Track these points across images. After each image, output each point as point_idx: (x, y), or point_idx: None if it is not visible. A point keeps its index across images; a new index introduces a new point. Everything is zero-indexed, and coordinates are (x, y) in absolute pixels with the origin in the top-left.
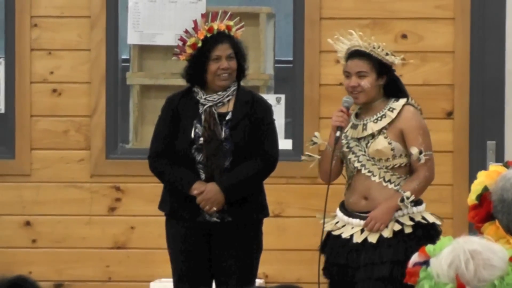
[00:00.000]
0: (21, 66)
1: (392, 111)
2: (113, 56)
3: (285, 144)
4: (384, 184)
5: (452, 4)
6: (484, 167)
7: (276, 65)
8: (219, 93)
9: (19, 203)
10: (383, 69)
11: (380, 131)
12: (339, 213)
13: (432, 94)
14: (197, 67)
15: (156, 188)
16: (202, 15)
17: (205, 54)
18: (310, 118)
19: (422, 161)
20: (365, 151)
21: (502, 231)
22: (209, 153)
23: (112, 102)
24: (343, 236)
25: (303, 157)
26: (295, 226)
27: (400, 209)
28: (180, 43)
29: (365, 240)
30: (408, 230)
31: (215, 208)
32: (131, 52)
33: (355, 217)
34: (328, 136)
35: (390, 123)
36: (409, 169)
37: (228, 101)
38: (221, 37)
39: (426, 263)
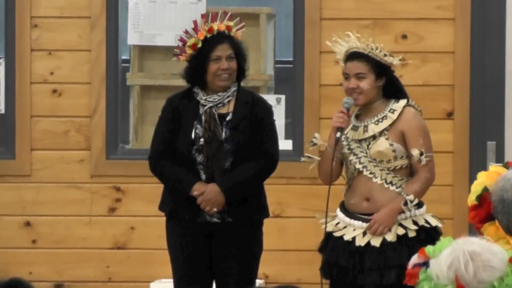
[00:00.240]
0: (21, 66)
1: (393, 112)
2: (113, 57)
3: (285, 144)
4: (386, 186)
5: (452, 4)
6: (484, 167)
7: (276, 65)
8: (219, 93)
9: (19, 204)
10: (381, 70)
11: (381, 133)
12: (340, 214)
13: (433, 94)
14: (197, 67)
15: (156, 188)
16: (202, 16)
17: (205, 54)
18: (310, 119)
19: (423, 162)
20: (366, 153)
21: (502, 231)
22: (210, 154)
23: (112, 102)
24: (345, 238)
25: (302, 159)
26: (295, 227)
27: (403, 212)
28: (180, 44)
29: (368, 243)
30: (412, 234)
31: (215, 209)
32: (131, 52)
33: (357, 218)
34: (328, 137)
35: (391, 125)
36: (410, 171)
37: (229, 101)
38: (221, 37)
39: (425, 264)
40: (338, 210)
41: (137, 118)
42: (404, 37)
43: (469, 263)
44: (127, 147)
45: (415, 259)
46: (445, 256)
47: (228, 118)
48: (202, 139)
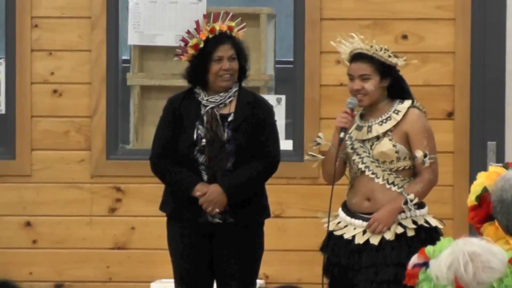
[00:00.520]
0: (21, 66)
1: (397, 113)
2: (114, 57)
3: (285, 144)
4: (388, 186)
5: (453, 4)
6: (484, 167)
7: (276, 65)
8: (221, 94)
9: (19, 204)
10: (386, 70)
11: (385, 133)
12: (341, 213)
13: (433, 94)
14: (199, 67)
15: (156, 188)
16: (204, 16)
17: (207, 54)
18: (310, 119)
19: (427, 164)
20: (369, 153)
21: (502, 231)
22: (212, 155)
23: (112, 102)
24: (345, 236)
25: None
26: (296, 227)
27: (403, 211)
28: (182, 44)
29: (367, 241)
30: (411, 233)
31: (217, 210)
32: (131, 52)
33: (358, 218)
34: (332, 137)
35: (395, 126)
36: (413, 172)
37: (230, 102)
38: (223, 37)
39: (425, 264)
40: (340, 209)
41: (138, 118)
42: (405, 37)
43: (469, 264)
44: (128, 147)
45: (415, 259)
46: (445, 256)
47: (229, 118)
48: (204, 140)
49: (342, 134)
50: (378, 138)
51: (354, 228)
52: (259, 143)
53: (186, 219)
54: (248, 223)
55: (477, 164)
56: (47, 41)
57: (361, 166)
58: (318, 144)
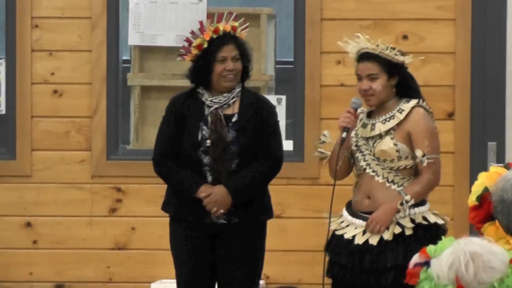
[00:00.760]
0: (22, 67)
1: (401, 112)
2: (114, 57)
3: (286, 145)
4: (387, 184)
5: (453, 5)
6: (485, 168)
7: (277, 66)
8: (225, 94)
9: (19, 204)
10: (393, 69)
11: (387, 132)
12: (344, 212)
13: (433, 95)
14: (202, 68)
15: (157, 189)
16: (208, 16)
17: (210, 55)
18: (311, 119)
19: (424, 164)
20: (371, 151)
21: (502, 231)
22: (216, 156)
23: (113, 103)
24: (346, 236)
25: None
26: (296, 227)
27: (400, 211)
28: (186, 44)
29: (367, 242)
30: (408, 232)
31: (222, 211)
32: (131, 53)
33: (358, 217)
34: (337, 135)
35: (398, 124)
36: (415, 171)
37: (233, 102)
38: (227, 38)
39: (426, 264)
40: (344, 208)
41: (138, 118)
42: (405, 37)
43: (470, 264)
44: (128, 147)
45: (416, 258)
46: (446, 256)
47: (233, 119)
48: (208, 141)
49: (344, 134)
50: (380, 136)
51: (355, 228)
52: (263, 143)
53: (190, 220)
54: (253, 223)
55: (478, 165)
56: (48, 41)
57: (363, 163)
58: (323, 142)
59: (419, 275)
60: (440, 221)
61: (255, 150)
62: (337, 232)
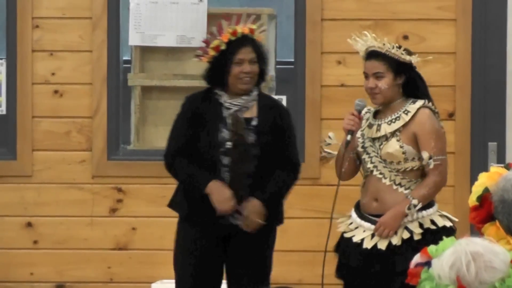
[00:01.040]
0: (22, 67)
1: (406, 113)
2: (115, 57)
3: None
4: (395, 187)
5: (454, 5)
6: (485, 168)
7: (277, 66)
8: (244, 97)
9: (20, 204)
10: (400, 68)
11: (393, 134)
12: (353, 214)
13: (434, 95)
14: (219, 69)
15: (157, 189)
16: (226, 18)
17: (228, 57)
18: (311, 119)
19: (431, 166)
20: (377, 153)
21: (503, 231)
22: (236, 158)
23: (113, 103)
24: (354, 240)
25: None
26: (297, 227)
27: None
28: (204, 45)
29: (375, 246)
30: (417, 237)
31: (261, 222)
32: (132, 53)
33: (367, 220)
34: (341, 137)
35: (404, 126)
36: (422, 172)
37: (251, 106)
38: (245, 40)
39: (428, 263)
40: (353, 210)
41: (139, 118)
42: (406, 37)
43: (471, 264)
44: (129, 147)
45: (417, 258)
46: (447, 256)
47: (253, 123)
48: (228, 143)
49: (348, 137)
50: (386, 138)
51: (364, 231)
52: (281, 147)
53: (203, 221)
54: (268, 225)
55: (478, 165)
56: (48, 41)
57: (369, 165)
58: (329, 144)
59: (420, 275)
60: (448, 224)
61: (274, 153)
62: (346, 235)
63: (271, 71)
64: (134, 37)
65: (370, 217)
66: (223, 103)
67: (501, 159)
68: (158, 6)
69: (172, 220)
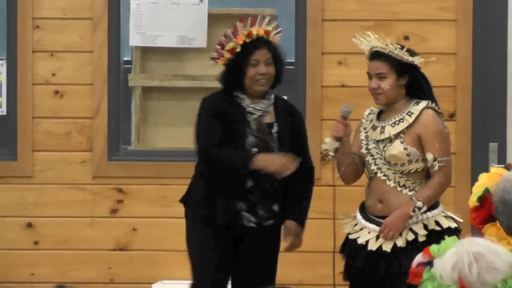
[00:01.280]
0: (23, 68)
1: (410, 115)
2: (115, 58)
3: None
4: (399, 189)
5: (455, 6)
6: (486, 169)
7: None
8: (264, 101)
9: (21, 205)
10: (403, 69)
11: (397, 135)
12: (358, 215)
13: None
14: (235, 71)
15: (158, 189)
16: (241, 20)
17: (243, 59)
18: (312, 120)
19: (436, 168)
20: (381, 155)
21: (503, 232)
22: None
23: (114, 103)
24: (359, 241)
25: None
26: None
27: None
28: (219, 48)
29: (381, 247)
30: (422, 239)
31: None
32: (133, 53)
33: (372, 221)
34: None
35: (408, 127)
36: (427, 173)
37: (271, 109)
38: (260, 42)
39: (430, 263)
40: (358, 211)
41: (139, 119)
42: (406, 38)
43: (473, 264)
44: (129, 148)
45: (419, 258)
46: (449, 256)
47: (274, 128)
48: (254, 149)
49: (337, 144)
50: (390, 140)
51: (369, 232)
52: (298, 152)
53: (221, 222)
54: (279, 226)
55: (479, 165)
56: (49, 42)
57: (373, 167)
58: (326, 149)
59: (422, 274)
60: (453, 225)
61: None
62: (351, 236)
63: None
64: (135, 38)
65: (375, 218)
66: (245, 107)
67: (502, 160)
68: (159, 6)
69: (172, 220)
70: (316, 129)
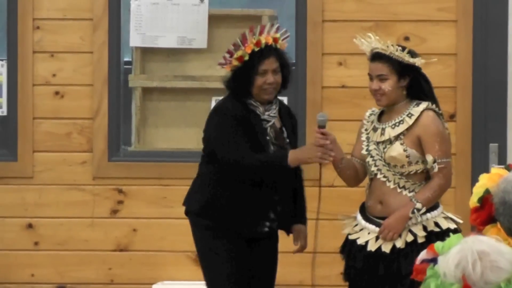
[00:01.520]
0: (23, 68)
1: (410, 117)
2: (116, 59)
3: None
4: (399, 190)
5: (455, 6)
6: (486, 169)
7: None
8: (273, 107)
9: (21, 206)
10: (404, 70)
11: (397, 137)
12: (358, 215)
13: None
14: (243, 80)
15: (158, 190)
16: (250, 28)
17: (251, 68)
18: (312, 121)
19: (435, 170)
20: (381, 156)
21: (504, 233)
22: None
23: (114, 104)
24: (359, 242)
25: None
26: None
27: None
28: (227, 56)
29: (380, 248)
30: (421, 240)
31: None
32: (133, 54)
33: (372, 222)
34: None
35: (408, 129)
36: (426, 175)
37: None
38: (268, 51)
39: (434, 260)
40: (358, 211)
41: (139, 120)
42: (406, 39)
43: (477, 263)
44: (129, 149)
45: (423, 254)
46: (453, 254)
47: (285, 133)
48: None
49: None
50: (390, 141)
51: (368, 233)
52: None
53: (238, 225)
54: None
55: (479, 166)
56: (49, 42)
57: (373, 168)
58: None
59: (426, 271)
60: (452, 226)
61: None
62: (351, 237)
63: None
64: (135, 38)
65: (375, 219)
66: (260, 114)
67: (502, 160)
68: (159, 7)
69: (172, 221)
70: None
